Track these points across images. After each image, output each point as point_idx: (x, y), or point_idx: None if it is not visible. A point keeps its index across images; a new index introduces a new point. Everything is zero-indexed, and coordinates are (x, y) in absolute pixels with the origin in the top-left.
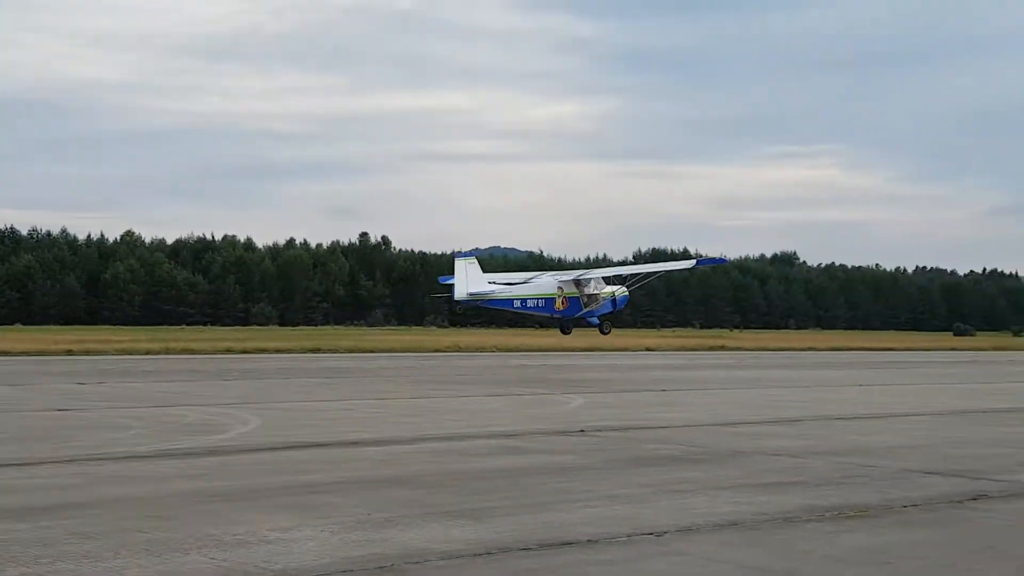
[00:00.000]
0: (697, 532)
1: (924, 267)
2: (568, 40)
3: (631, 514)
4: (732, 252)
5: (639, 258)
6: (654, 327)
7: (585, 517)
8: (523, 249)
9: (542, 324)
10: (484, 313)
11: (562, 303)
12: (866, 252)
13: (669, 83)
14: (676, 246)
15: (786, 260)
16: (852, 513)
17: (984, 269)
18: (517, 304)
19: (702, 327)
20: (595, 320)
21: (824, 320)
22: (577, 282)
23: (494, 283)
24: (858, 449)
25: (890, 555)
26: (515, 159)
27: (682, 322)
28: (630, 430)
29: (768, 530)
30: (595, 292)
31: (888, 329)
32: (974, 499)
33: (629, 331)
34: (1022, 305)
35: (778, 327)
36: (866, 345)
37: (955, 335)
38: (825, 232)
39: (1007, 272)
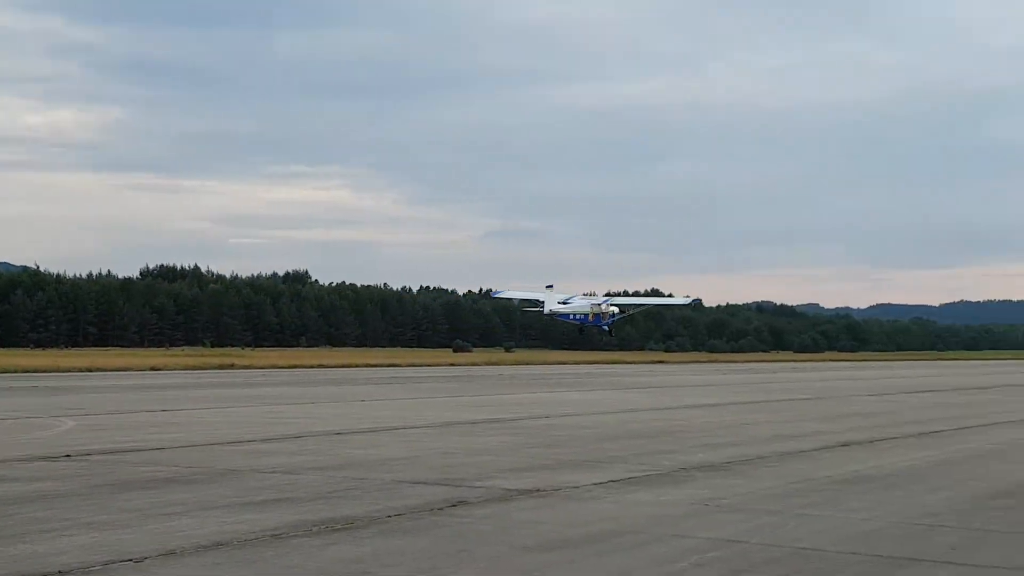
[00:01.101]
0: (181, 555)
1: (428, 286)
2: (67, 44)
3: (111, 541)
4: (243, 270)
5: (146, 274)
6: (162, 346)
7: (61, 547)
8: (17, 264)
9: (582, 330)
10: None
11: (592, 317)
12: (375, 271)
13: (177, 96)
14: (185, 263)
15: (298, 278)
16: (339, 526)
17: (480, 289)
18: (572, 317)
19: (213, 345)
20: (605, 327)
21: (335, 338)
22: (596, 307)
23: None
24: (353, 463)
25: (370, 564)
26: (8, 167)
27: (192, 341)
28: (121, 453)
29: (255, 548)
30: (606, 311)
31: (395, 346)
32: (454, 505)
33: (137, 350)
34: (514, 323)
35: (290, 345)
36: (373, 362)
37: (455, 351)
38: (336, 251)
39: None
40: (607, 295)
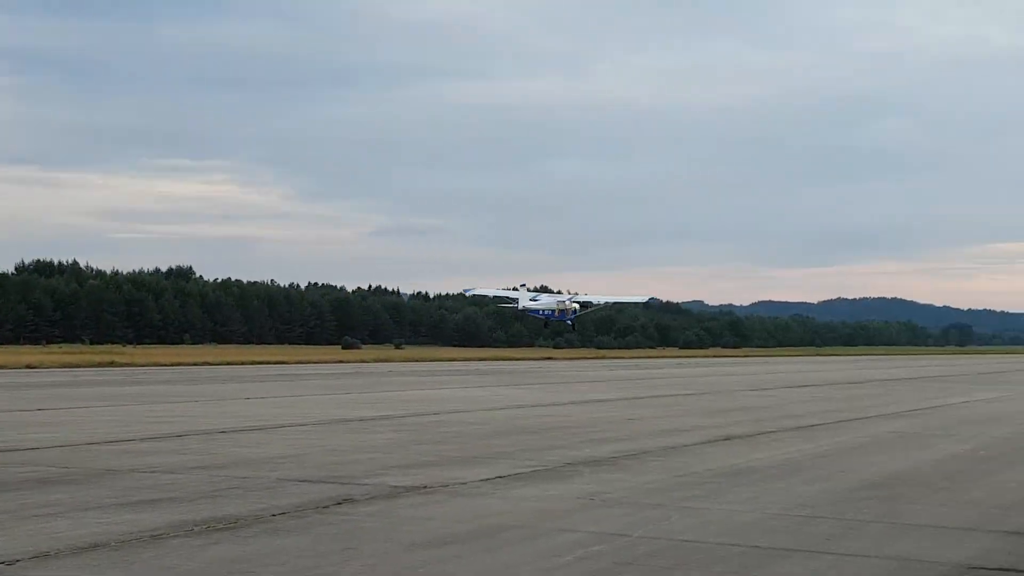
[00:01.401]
0: (55, 557)
1: (316, 283)
2: None
3: None
4: (125, 265)
5: (21, 269)
6: (39, 343)
7: None
8: None
9: (547, 324)
10: None
11: (557, 313)
12: (262, 268)
13: (55, 86)
14: (64, 258)
15: (182, 274)
16: (222, 526)
17: (370, 286)
18: (540, 313)
19: (92, 343)
20: (568, 321)
21: (221, 335)
22: (561, 304)
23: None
24: (237, 462)
25: (254, 564)
26: None
27: (71, 338)
28: None
29: (133, 549)
30: (568, 307)
31: (283, 343)
32: (340, 503)
33: (12, 347)
34: (403, 320)
35: (174, 342)
36: (260, 359)
37: (344, 348)
38: (221, 247)
39: (390, 289)
40: (569, 293)
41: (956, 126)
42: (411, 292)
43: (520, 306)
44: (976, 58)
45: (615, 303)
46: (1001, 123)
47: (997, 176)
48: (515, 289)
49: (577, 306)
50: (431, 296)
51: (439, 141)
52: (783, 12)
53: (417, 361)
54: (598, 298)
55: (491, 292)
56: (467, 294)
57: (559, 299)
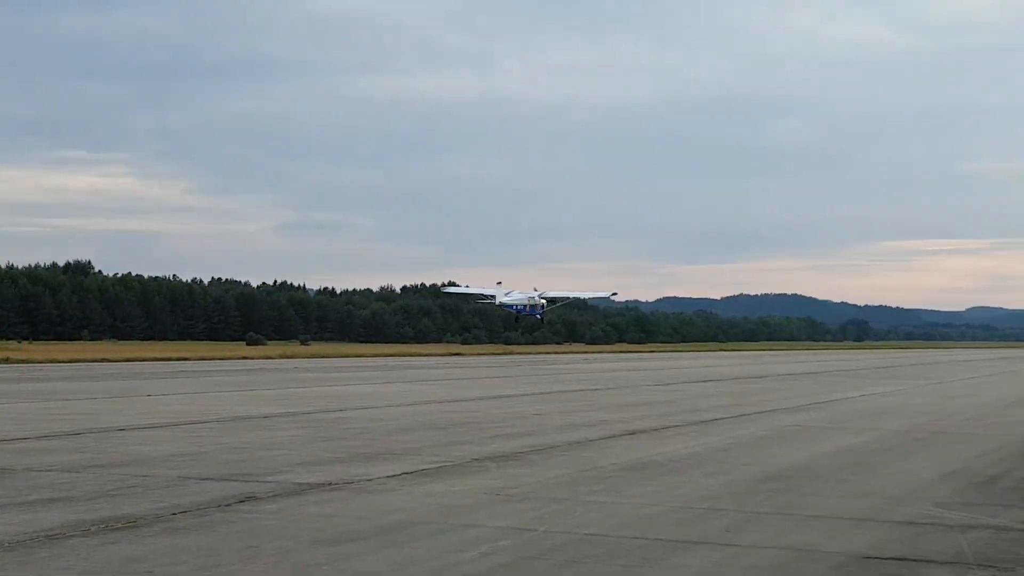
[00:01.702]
0: None
1: (219, 278)
2: None
3: None
4: (20, 259)
5: None
6: None
7: None
8: None
9: (517, 318)
10: None
11: (528, 308)
12: (163, 262)
13: None
14: None
15: (80, 269)
16: (120, 525)
17: (275, 281)
18: (514, 308)
19: None
20: (538, 315)
21: (120, 331)
22: (531, 299)
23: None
24: (136, 460)
25: (152, 563)
26: None
27: None
28: None
29: (28, 549)
30: (537, 303)
31: (185, 339)
32: (242, 501)
33: None
34: (309, 316)
35: (72, 338)
36: (161, 355)
37: (248, 344)
38: (120, 241)
39: (295, 284)
40: (536, 291)
41: (851, 126)
42: (317, 287)
43: (497, 301)
44: (869, 59)
45: (579, 298)
46: (894, 123)
47: (891, 175)
48: (499, 283)
49: (544, 302)
50: (338, 291)
51: (343, 135)
52: (683, 11)
53: (323, 357)
54: (563, 294)
55: (473, 290)
56: (444, 291)
57: (529, 295)
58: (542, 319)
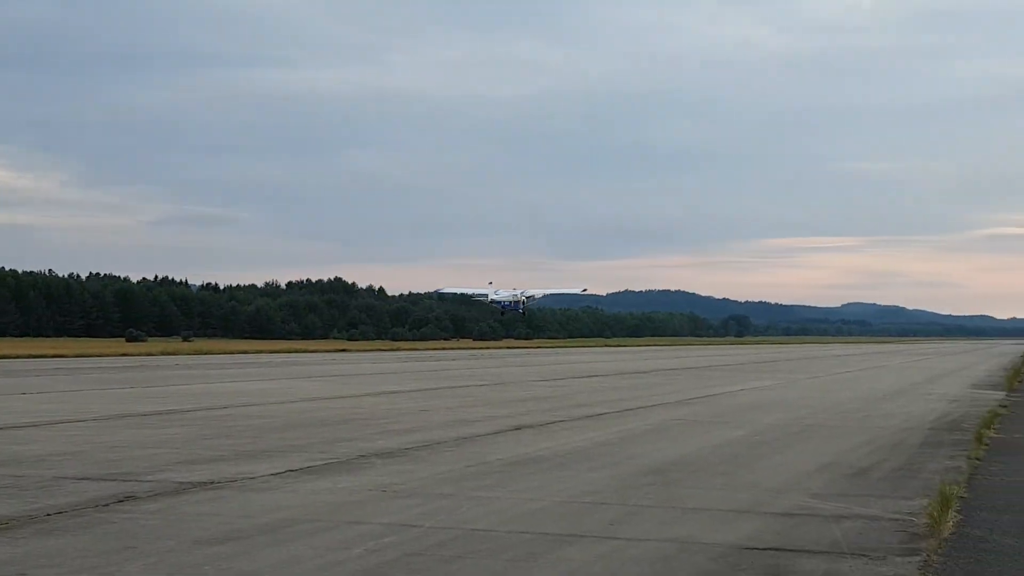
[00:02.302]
0: None
1: (98, 273)
2: None
3: None
4: None
5: None
6: None
7: None
8: None
9: (503, 312)
10: None
11: (512, 304)
12: (37, 256)
13: None
14: None
15: None
16: None
17: (156, 276)
18: (502, 304)
19: None
20: (520, 309)
21: None
22: (515, 296)
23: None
24: (9, 460)
25: (26, 565)
26: None
27: None
28: None
29: None
30: (521, 299)
31: (62, 336)
32: (121, 501)
33: None
34: (192, 312)
35: None
36: (37, 352)
37: (128, 341)
38: None
39: (177, 279)
40: (517, 289)
41: (735, 125)
42: (200, 283)
43: (489, 299)
44: (751, 60)
45: (553, 294)
46: (776, 123)
47: (772, 174)
48: (490, 283)
49: (525, 299)
50: (222, 287)
51: (230, 129)
52: (573, 11)
53: (206, 354)
54: (539, 291)
55: (468, 291)
56: (438, 292)
57: (514, 293)
58: (523, 313)
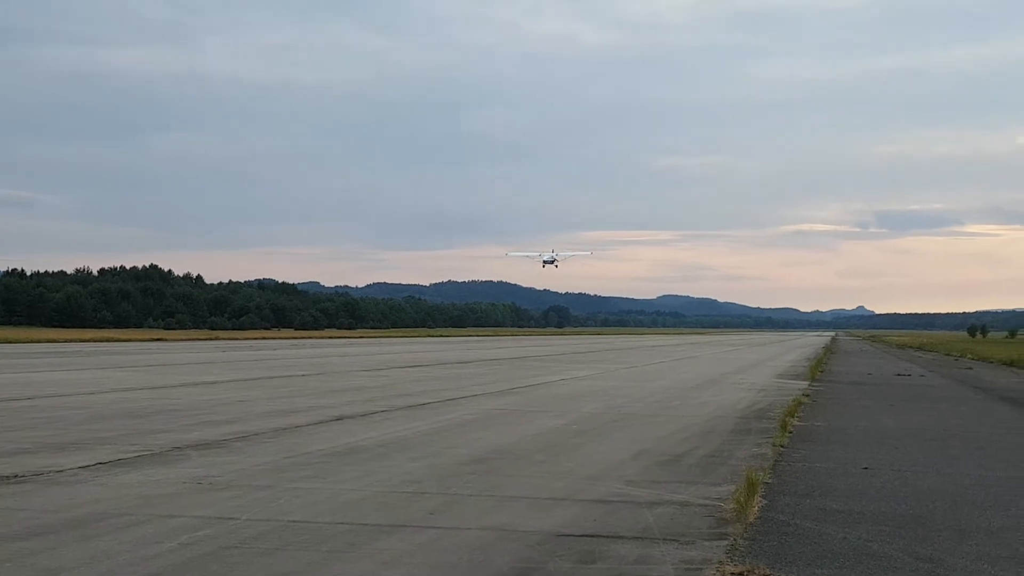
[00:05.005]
0: None
1: None
2: None
3: None
4: None
5: None
6: None
7: None
8: None
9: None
10: None
11: (551, 260)
12: None
13: None
14: None
15: None
16: None
17: None
18: (547, 260)
19: None
20: (555, 264)
21: None
22: (553, 256)
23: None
24: None
25: None
26: None
27: None
28: None
29: None
30: (555, 257)
31: None
32: None
33: None
34: None
35: None
36: None
37: None
38: None
39: None
40: (553, 251)
41: (553, 118)
42: (4, 269)
43: (543, 261)
44: (569, 54)
45: (571, 256)
46: (593, 117)
47: (590, 167)
48: (551, 250)
49: (557, 256)
50: (28, 273)
51: (27, 108)
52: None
53: (11, 343)
54: (564, 253)
55: (531, 253)
56: (508, 255)
57: (552, 255)
58: (556, 265)
